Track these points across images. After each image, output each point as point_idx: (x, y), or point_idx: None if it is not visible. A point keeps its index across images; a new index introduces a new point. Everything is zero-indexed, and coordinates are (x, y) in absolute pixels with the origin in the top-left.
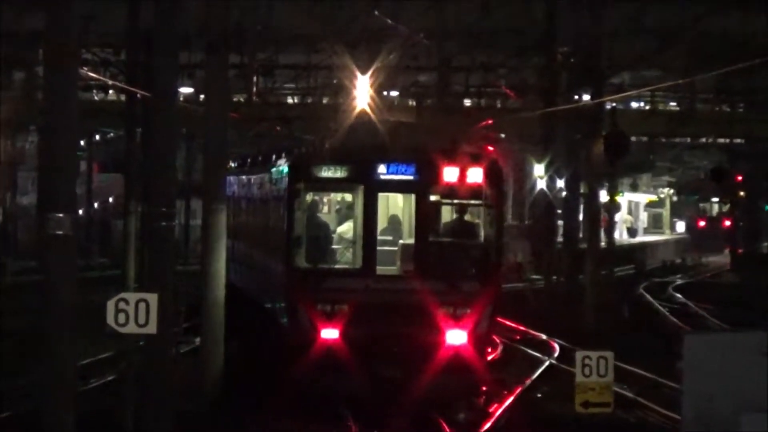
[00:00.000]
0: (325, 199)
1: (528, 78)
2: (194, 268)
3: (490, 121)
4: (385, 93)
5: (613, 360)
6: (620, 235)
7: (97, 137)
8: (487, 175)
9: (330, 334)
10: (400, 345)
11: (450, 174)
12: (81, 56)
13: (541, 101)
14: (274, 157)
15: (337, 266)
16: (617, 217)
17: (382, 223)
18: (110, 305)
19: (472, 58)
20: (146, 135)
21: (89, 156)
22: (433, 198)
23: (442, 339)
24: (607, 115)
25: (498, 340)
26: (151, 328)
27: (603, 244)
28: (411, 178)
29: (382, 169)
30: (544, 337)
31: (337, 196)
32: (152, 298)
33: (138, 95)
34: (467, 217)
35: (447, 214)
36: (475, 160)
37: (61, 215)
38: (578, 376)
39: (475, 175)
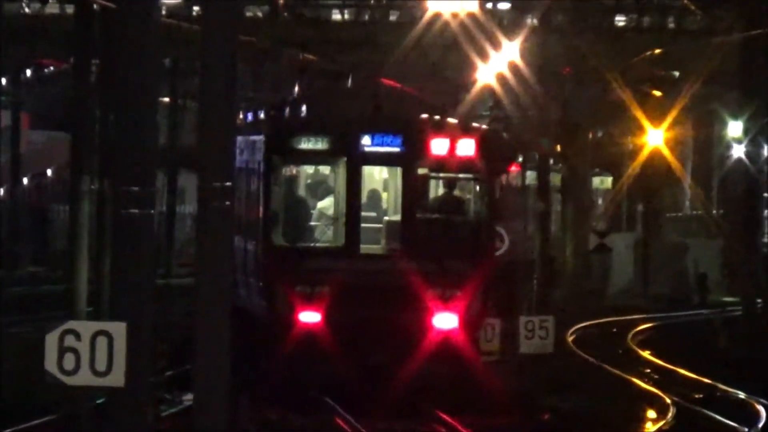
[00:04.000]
0: (304, 172)
1: None
2: (182, 281)
3: (656, 51)
4: (489, 5)
5: None
6: None
7: (29, 73)
8: (481, 146)
9: (310, 317)
10: (385, 329)
11: (440, 146)
12: None
13: (740, 21)
14: (253, 118)
15: (317, 245)
16: None
17: (365, 198)
18: (50, 341)
19: None
20: (108, 70)
21: (14, 103)
22: (421, 171)
23: (431, 323)
24: None
25: (668, 400)
26: (117, 379)
27: None
28: (398, 149)
29: (366, 140)
30: (741, 395)
31: (318, 169)
32: (118, 329)
33: (94, 5)
34: (458, 193)
35: (436, 189)
36: (467, 130)
37: None
38: None
39: (467, 146)
